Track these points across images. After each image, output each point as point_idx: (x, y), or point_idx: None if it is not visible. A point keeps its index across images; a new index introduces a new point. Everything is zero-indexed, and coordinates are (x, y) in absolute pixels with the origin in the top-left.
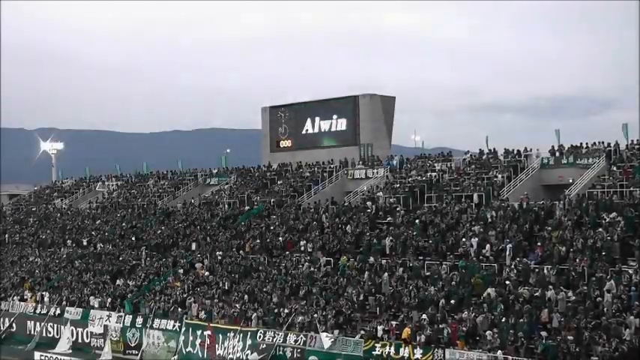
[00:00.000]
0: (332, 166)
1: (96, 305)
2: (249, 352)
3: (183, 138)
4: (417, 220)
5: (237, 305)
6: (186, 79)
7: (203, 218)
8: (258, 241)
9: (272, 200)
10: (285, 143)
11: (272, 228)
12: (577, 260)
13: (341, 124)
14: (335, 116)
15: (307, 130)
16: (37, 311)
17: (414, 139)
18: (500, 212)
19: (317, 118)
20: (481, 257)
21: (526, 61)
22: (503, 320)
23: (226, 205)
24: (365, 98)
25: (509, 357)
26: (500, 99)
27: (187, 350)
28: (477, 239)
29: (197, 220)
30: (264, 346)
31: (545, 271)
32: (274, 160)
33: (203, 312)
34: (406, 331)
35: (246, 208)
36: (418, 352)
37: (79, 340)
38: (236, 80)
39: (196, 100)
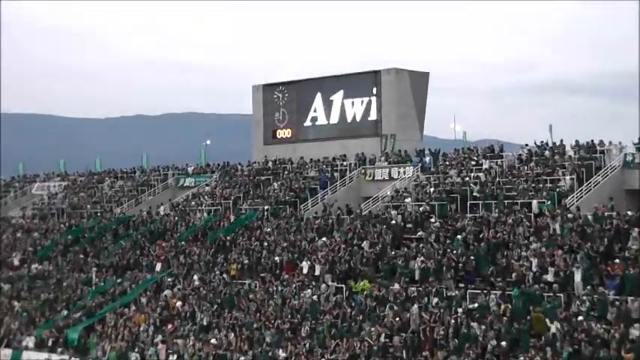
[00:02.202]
0: (345, 163)
1: (30, 345)
2: None
3: (149, 125)
4: (457, 236)
5: (219, 345)
6: (153, 50)
7: (175, 230)
8: (247, 261)
9: (266, 207)
10: (284, 133)
11: (266, 244)
12: None
13: (357, 109)
14: (349, 98)
15: (313, 115)
16: None
17: (452, 128)
18: (568, 225)
19: (326, 100)
20: (542, 284)
21: (600, 28)
22: None
23: (205, 214)
24: (389, 74)
25: None
26: (565, 76)
27: None
28: (536, 260)
29: (167, 232)
30: None
31: (629, 303)
32: (269, 155)
33: (175, 356)
34: None
35: (232, 217)
36: None
37: None
38: (219, 52)
39: (167, 77)
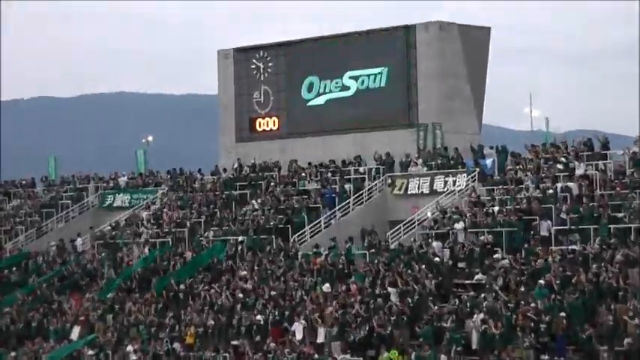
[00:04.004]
0: (362, 169)
1: None
2: None
3: (55, 114)
4: (539, 281)
5: None
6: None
7: (100, 276)
8: (211, 321)
9: (240, 239)
10: (268, 123)
11: (240, 295)
12: None
13: (379, 85)
14: (367, 68)
15: (311, 96)
16: None
17: (528, 114)
18: None
19: (331, 72)
20: None
21: None
22: None
23: (147, 249)
24: (428, 31)
25: None
26: None
27: None
28: None
29: (88, 279)
30: None
31: None
32: (245, 158)
33: None
34: None
35: (189, 254)
36: None
37: None
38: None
39: (83, 38)
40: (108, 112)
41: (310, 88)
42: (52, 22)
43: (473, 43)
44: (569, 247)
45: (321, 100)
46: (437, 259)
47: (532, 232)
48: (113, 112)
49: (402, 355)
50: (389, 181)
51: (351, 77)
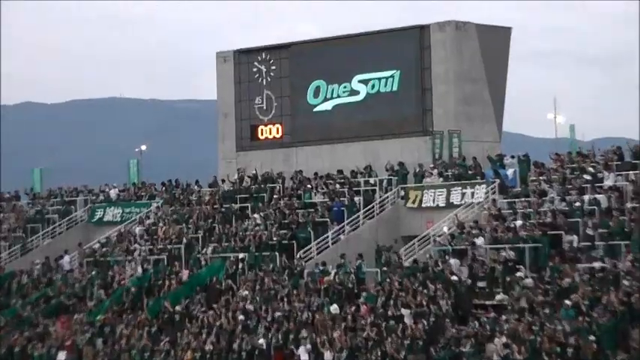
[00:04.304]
0: (372, 180)
1: None
2: None
3: (41, 121)
4: (566, 301)
5: None
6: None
7: (89, 296)
8: (209, 346)
9: (241, 256)
10: (271, 131)
11: (241, 317)
12: None
13: (390, 87)
14: (378, 71)
15: (318, 101)
16: None
17: (552, 120)
18: None
19: (339, 76)
20: None
21: None
22: None
23: (140, 268)
24: (444, 30)
25: None
26: None
27: None
28: None
29: (75, 300)
30: None
31: None
32: (246, 168)
33: None
34: None
35: (185, 273)
36: None
37: None
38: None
39: (73, 42)
40: (98, 119)
41: (316, 93)
42: (41, 24)
43: (492, 44)
44: (598, 265)
45: (328, 106)
46: (454, 277)
47: (557, 248)
48: (104, 119)
49: None
50: (402, 193)
51: (360, 81)
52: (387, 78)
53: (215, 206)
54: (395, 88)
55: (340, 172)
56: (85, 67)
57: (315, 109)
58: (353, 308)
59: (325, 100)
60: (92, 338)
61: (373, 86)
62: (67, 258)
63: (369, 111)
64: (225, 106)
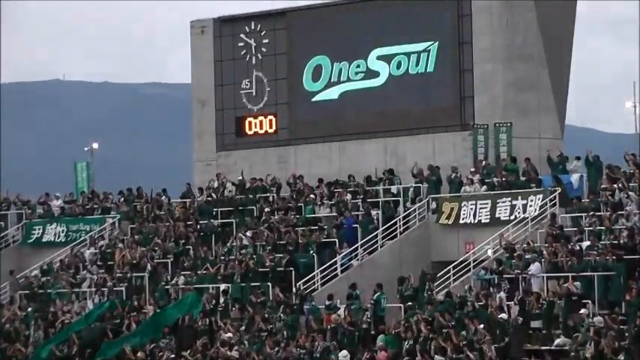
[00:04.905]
0: (394, 188)
1: None
2: None
3: None
4: None
5: None
6: None
7: (23, 338)
8: None
9: (223, 287)
10: (261, 123)
11: None
12: None
13: (420, 67)
14: (404, 43)
15: (321, 86)
16: None
17: (630, 110)
18: None
19: (350, 53)
20: None
21: None
22: None
23: (90, 303)
24: None
25: None
26: None
27: None
28: None
29: (4, 342)
30: None
31: None
32: (229, 172)
33: None
34: None
35: (150, 309)
36: None
37: None
38: None
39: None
40: (35, 108)
41: (318, 75)
42: None
43: (552, 13)
44: None
45: (334, 93)
46: (502, 315)
47: (636, 278)
48: (43, 109)
49: None
50: (433, 205)
51: (380, 58)
52: (416, 54)
53: (189, 223)
54: (426, 69)
55: (352, 177)
56: (14, 42)
57: (316, 97)
58: (368, 355)
59: (330, 84)
60: None
61: (398, 65)
62: None
63: (391, 99)
64: (203, 91)
